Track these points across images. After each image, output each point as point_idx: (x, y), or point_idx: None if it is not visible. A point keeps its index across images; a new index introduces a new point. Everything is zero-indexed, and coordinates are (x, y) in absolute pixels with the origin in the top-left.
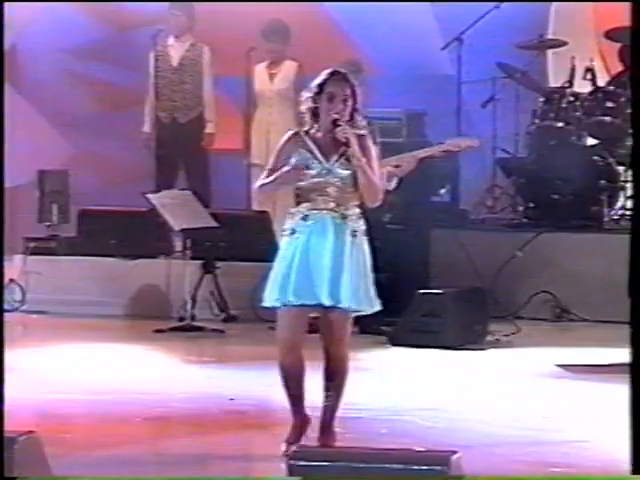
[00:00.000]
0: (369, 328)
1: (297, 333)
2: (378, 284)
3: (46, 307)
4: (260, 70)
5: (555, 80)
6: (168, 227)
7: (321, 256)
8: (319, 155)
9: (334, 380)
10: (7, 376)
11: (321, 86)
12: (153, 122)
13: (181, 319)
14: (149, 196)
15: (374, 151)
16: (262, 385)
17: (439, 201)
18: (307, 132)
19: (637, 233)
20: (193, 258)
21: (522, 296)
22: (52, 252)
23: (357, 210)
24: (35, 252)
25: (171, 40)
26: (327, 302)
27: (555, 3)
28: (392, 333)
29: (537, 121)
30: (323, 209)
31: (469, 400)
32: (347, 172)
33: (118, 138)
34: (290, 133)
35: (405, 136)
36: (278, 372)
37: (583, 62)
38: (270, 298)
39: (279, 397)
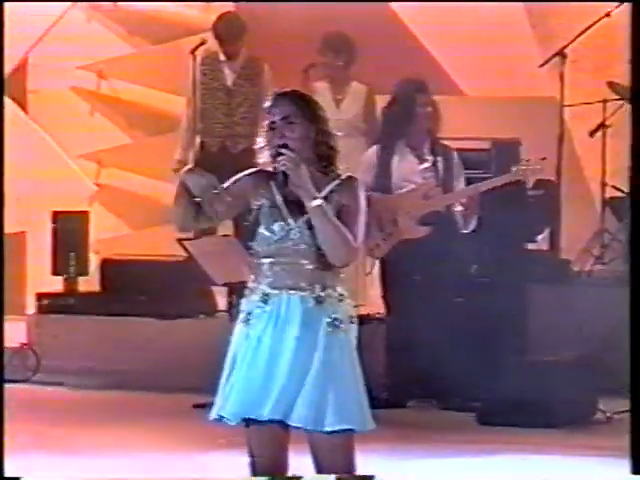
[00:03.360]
0: (452, 404)
1: (269, 456)
2: (464, 349)
3: (63, 377)
4: (322, 92)
5: None
6: (209, 280)
7: (281, 356)
8: (284, 210)
9: None
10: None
11: (268, 112)
12: (189, 148)
13: None
14: (186, 243)
15: (361, 199)
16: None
17: (536, 249)
18: (274, 176)
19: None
20: None
21: None
22: (70, 310)
23: (340, 289)
24: (50, 310)
25: (221, 55)
26: (274, 416)
27: None
28: (481, 409)
29: None
30: (289, 287)
31: None
32: None
33: (149, 171)
34: (254, 170)
35: (495, 170)
36: None
37: None
38: (219, 410)
39: None
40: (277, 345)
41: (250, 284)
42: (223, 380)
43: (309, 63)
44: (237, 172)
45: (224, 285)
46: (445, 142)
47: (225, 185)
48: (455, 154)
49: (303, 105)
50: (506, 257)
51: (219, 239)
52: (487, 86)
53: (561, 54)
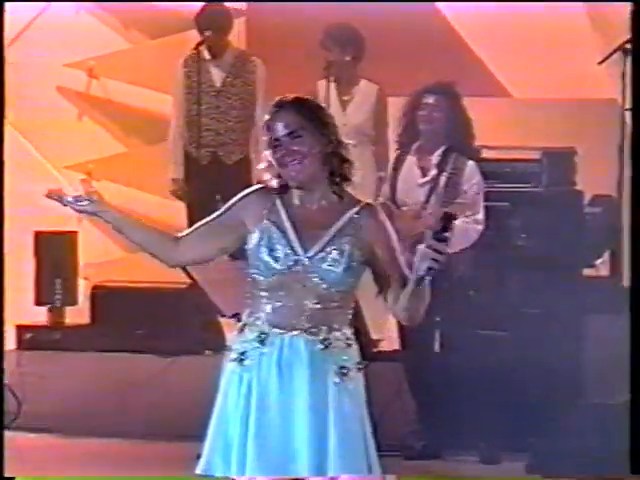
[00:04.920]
0: (496, 453)
1: None
2: (509, 390)
3: (48, 423)
4: (326, 92)
5: None
6: (217, 311)
7: (294, 411)
8: (293, 237)
9: None
10: None
11: (268, 128)
12: (182, 163)
13: None
14: (189, 268)
15: (392, 232)
16: None
17: (594, 275)
18: (281, 195)
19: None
20: None
21: None
22: (56, 346)
23: (347, 331)
24: (32, 346)
25: (206, 53)
26: (308, 474)
27: None
28: (532, 458)
29: None
30: (292, 328)
31: None
32: (337, 271)
33: (146, 185)
34: (257, 187)
35: (546, 184)
36: None
37: None
38: (211, 465)
39: None
40: (286, 398)
41: (245, 318)
42: (213, 431)
43: (328, 61)
44: (232, 186)
45: (233, 317)
46: (487, 152)
47: (218, 213)
48: (470, 164)
49: (309, 114)
50: (559, 284)
51: (228, 264)
52: (537, 86)
53: (623, 49)
